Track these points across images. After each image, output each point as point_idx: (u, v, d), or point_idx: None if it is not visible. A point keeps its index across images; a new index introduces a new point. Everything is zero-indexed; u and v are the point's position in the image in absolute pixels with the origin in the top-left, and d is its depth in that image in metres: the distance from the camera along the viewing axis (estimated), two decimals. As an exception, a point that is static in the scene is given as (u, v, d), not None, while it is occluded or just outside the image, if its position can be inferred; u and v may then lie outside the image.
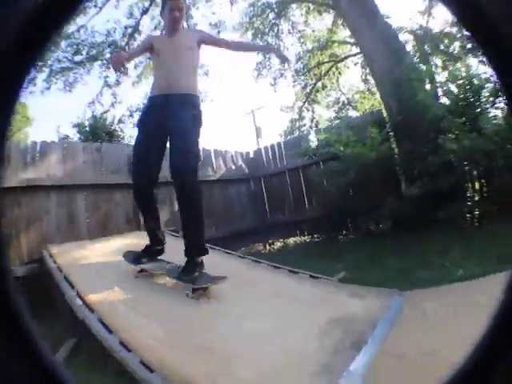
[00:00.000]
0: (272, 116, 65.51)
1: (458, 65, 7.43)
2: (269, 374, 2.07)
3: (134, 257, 3.67)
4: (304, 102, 15.06)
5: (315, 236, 8.07)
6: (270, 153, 8.97)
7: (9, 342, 0.57)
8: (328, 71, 14.56)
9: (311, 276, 3.75)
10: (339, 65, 14.55)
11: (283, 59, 4.16)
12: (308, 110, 15.27)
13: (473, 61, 8.14)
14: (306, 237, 8.24)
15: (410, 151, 6.70)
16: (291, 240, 8.48)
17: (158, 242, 3.68)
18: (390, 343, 2.36)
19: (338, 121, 12.12)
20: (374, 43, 8.34)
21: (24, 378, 0.58)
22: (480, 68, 7.89)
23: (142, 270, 3.57)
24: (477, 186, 6.84)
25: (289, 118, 15.37)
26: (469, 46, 7.90)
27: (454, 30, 9.10)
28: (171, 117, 3.33)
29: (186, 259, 3.33)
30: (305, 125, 15.04)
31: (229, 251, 4.87)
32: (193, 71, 3.63)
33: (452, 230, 5.53)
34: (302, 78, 14.81)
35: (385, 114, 7.83)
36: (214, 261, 3.80)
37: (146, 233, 3.81)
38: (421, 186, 6.13)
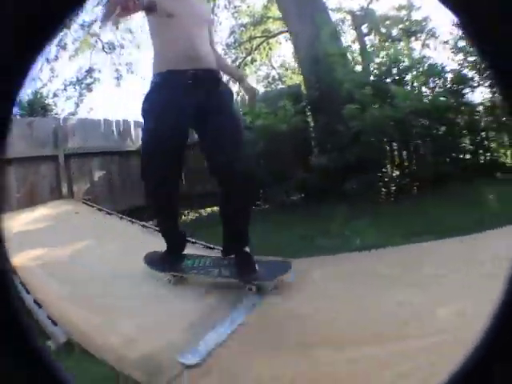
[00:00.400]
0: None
1: (397, 46, 7.72)
2: (147, 327, 2.40)
3: (158, 261, 3.12)
4: (232, 76, 15.05)
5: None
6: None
7: (9, 342, 0.56)
8: (259, 46, 14.64)
9: (207, 246, 3.81)
10: (271, 40, 14.64)
11: (248, 91, 3.39)
12: (234, 83, 15.19)
13: (416, 44, 8.86)
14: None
15: (324, 124, 6.91)
16: (209, 210, 8.48)
17: (180, 246, 3.18)
18: (266, 308, 2.59)
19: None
20: (299, 19, 8.40)
21: (24, 378, 0.58)
22: (424, 51, 8.65)
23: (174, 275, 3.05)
24: (397, 161, 7.16)
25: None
26: (412, 29, 8.50)
27: (400, 13, 9.35)
28: (210, 98, 2.75)
29: (235, 252, 2.96)
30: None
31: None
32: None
33: (364, 203, 5.67)
34: (233, 51, 14.76)
35: (303, 89, 8.06)
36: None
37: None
38: (329, 158, 6.33)
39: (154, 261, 3.09)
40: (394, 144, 7.19)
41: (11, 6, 0.52)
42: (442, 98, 6.59)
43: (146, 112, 2.84)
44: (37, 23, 0.53)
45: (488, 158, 7.33)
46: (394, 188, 6.78)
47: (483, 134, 7.35)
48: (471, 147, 7.25)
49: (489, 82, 6.73)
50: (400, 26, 9.34)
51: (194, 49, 2.70)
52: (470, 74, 7.06)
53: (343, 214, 5.21)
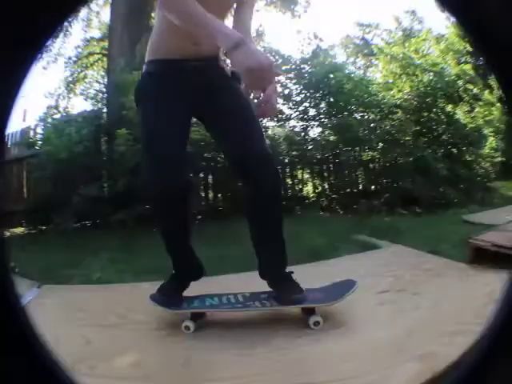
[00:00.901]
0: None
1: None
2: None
3: (170, 296, 2.45)
4: (64, 90, 14.93)
5: (32, 228, 7.69)
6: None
7: (9, 343, 0.56)
8: (94, 63, 14.68)
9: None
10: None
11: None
12: (63, 99, 15.06)
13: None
14: (24, 228, 7.84)
15: (107, 152, 7.18)
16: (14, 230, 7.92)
17: (195, 265, 2.57)
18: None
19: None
20: (119, 43, 8.63)
21: (24, 378, 0.58)
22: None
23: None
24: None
25: (47, 105, 14.91)
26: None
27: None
28: (217, 88, 2.36)
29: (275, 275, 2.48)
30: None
31: None
32: None
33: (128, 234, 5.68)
34: (74, 66, 14.65)
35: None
36: None
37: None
38: (100, 187, 6.65)
39: (165, 295, 2.45)
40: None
41: (11, 4, 0.53)
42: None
43: (142, 99, 2.43)
44: (36, 23, 0.55)
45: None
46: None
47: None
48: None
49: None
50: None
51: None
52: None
53: (97, 244, 5.38)
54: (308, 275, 3.16)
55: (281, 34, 34.44)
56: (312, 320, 2.26)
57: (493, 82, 17.33)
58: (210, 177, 8.30)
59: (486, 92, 16.56)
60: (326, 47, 9.90)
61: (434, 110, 9.98)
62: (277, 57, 9.27)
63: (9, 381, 0.56)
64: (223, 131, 2.41)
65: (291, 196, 8.68)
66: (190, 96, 2.29)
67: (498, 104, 16.70)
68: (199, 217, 7.22)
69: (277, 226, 2.43)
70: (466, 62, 14.04)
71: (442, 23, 20.80)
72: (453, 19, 0.70)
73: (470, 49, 17.46)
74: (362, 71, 22.75)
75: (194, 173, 7.30)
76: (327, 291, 2.52)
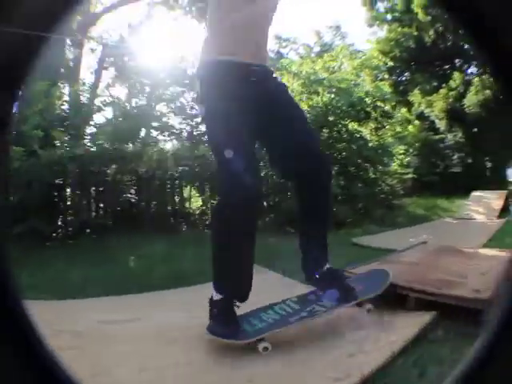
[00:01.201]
0: None
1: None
2: None
3: (230, 325, 2.44)
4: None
5: None
6: None
7: (9, 343, 0.60)
8: None
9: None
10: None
11: None
12: None
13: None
14: None
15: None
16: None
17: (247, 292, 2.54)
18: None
19: None
20: None
21: (24, 378, 0.60)
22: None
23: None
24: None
25: None
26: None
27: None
28: (275, 91, 2.61)
29: (321, 268, 2.73)
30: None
31: None
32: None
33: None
34: None
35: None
36: None
37: None
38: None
39: (226, 327, 2.42)
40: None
41: (13, 7, 0.56)
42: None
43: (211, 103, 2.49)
44: (37, 24, 0.59)
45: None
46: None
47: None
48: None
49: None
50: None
51: (259, 42, 2.57)
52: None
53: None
54: (163, 303, 3.32)
55: (195, 44, 34.53)
56: (367, 307, 2.77)
57: (413, 97, 18.46)
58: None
59: (403, 109, 17.47)
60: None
61: (335, 128, 10.24)
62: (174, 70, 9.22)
63: (9, 381, 0.58)
64: (284, 134, 2.55)
65: (178, 212, 8.61)
66: (254, 102, 2.39)
67: (416, 121, 17.71)
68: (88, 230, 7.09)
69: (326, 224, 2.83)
70: (382, 79, 14.69)
71: (365, 38, 21.79)
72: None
73: (391, 65, 18.42)
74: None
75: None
76: (365, 283, 2.82)
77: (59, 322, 2.77)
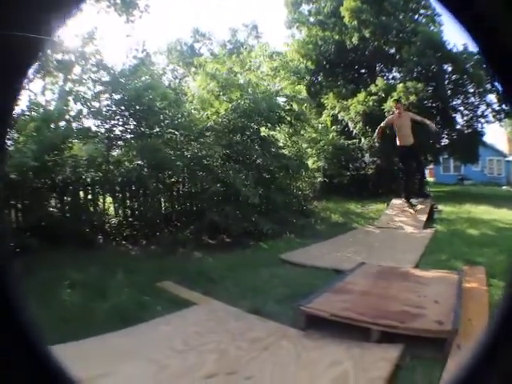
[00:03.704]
0: None
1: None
2: None
3: None
4: None
5: None
6: None
7: (10, 343, 0.59)
8: None
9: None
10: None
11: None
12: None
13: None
14: None
15: None
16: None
17: None
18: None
19: None
20: None
21: (24, 378, 0.60)
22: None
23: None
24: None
25: None
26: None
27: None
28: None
29: None
30: None
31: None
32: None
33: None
34: None
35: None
36: None
37: None
38: None
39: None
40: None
41: (11, 8, 0.56)
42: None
43: None
44: (35, 24, 0.59)
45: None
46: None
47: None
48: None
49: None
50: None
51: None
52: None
53: None
54: (113, 352, 3.12)
55: (113, 39, 33.23)
56: None
57: (326, 101, 18.95)
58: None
59: (324, 115, 17.96)
60: (151, 54, 9.67)
61: (247, 133, 10.19)
62: (97, 67, 8.75)
63: (9, 381, 0.59)
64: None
65: (93, 224, 8.13)
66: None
67: (331, 125, 18.21)
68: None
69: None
70: (299, 82, 14.98)
71: (284, 40, 22.20)
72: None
73: (310, 67, 18.80)
74: (178, 80, 23.63)
75: None
76: None
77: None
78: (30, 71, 11.10)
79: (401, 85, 17.22)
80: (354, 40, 18.80)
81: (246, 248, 7.67)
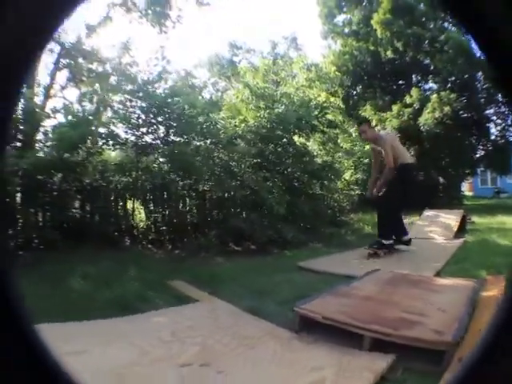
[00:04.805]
0: None
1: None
2: None
3: None
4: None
5: None
6: None
7: (9, 343, 0.59)
8: None
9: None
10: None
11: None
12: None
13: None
14: None
15: None
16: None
17: None
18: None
19: None
20: None
21: (24, 379, 0.60)
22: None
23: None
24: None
25: None
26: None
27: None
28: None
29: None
30: None
31: None
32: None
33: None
34: None
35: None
36: None
37: None
38: None
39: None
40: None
41: (11, 5, 0.55)
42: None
43: None
44: (36, 22, 0.58)
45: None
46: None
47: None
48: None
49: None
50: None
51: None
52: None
53: None
54: (104, 334, 3.29)
55: (147, 48, 34.30)
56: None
57: (364, 113, 18.66)
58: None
59: (352, 124, 17.85)
60: (188, 67, 10.03)
61: (280, 142, 10.29)
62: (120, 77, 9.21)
63: (9, 381, 0.58)
64: None
65: (121, 227, 8.52)
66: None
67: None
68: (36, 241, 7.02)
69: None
70: (333, 93, 14.95)
71: (321, 51, 22.22)
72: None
73: (346, 78, 18.81)
74: (220, 93, 24.00)
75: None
76: None
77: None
78: (62, 78, 11.66)
79: (435, 95, 16.96)
80: (389, 53, 18.61)
81: (269, 255, 7.78)
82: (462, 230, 10.12)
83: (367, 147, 16.89)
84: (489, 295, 4.18)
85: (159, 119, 8.92)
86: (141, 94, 8.76)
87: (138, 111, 8.85)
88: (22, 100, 7.45)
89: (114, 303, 4.37)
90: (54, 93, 10.61)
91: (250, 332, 3.54)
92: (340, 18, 21.70)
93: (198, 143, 9.48)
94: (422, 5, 18.22)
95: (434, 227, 10.32)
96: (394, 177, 7.29)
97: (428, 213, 11.55)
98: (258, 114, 10.13)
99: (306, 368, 2.81)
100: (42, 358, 0.63)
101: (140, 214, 9.12)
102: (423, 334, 3.01)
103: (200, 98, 10.12)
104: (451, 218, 10.56)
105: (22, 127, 7.26)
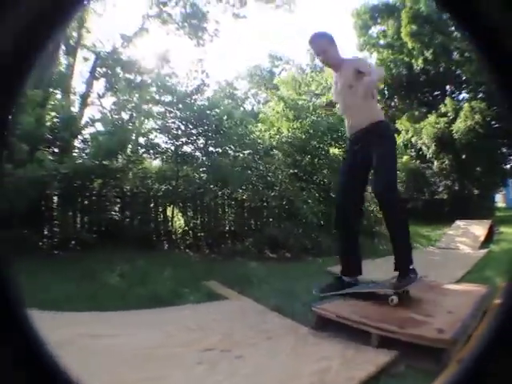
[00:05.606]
0: None
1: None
2: None
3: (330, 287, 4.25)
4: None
5: None
6: None
7: (9, 343, 0.59)
8: None
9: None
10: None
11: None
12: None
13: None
14: None
15: None
16: None
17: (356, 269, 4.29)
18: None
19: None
20: None
21: (24, 379, 0.60)
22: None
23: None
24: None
25: None
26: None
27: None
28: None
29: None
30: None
31: None
32: (360, 106, 3.98)
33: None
34: None
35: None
36: None
37: None
38: None
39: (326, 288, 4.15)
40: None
41: (11, 6, 0.55)
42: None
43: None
44: (36, 23, 0.57)
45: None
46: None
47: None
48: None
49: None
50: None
51: (348, 119, 4.25)
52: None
53: None
54: (138, 322, 3.57)
55: (186, 60, 35.08)
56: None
57: (401, 125, 18.69)
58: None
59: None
60: (229, 78, 10.35)
61: (316, 153, 10.42)
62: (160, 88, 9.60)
63: (9, 380, 0.58)
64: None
65: (160, 231, 8.88)
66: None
67: (407, 152, 18.04)
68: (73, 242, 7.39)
69: (401, 235, 4.05)
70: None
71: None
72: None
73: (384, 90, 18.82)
74: (261, 105, 24.23)
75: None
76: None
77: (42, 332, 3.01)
78: (99, 87, 11.99)
79: (466, 104, 16.84)
80: (420, 63, 18.53)
81: (302, 262, 7.95)
82: (488, 240, 10.12)
83: (405, 159, 16.91)
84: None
85: (199, 130, 9.26)
86: (180, 106, 9.11)
87: (178, 122, 9.17)
88: (61, 107, 7.87)
89: (148, 298, 4.66)
90: (91, 101, 10.94)
91: (271, 327, 3.75)
92: (375, 30, 21.68)
93: (236, 154, 9.76)
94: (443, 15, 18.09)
95: (462, 237, 10.38)
96: None
97: (459, 222, 11.64)
98: (291, 125, 10.29)
99: (315, 358, 3.01)
100: (41, 357, 0.64)
101: (179, 221, 9.39)
102: (426, 332, 3.14)
103: (241, 109, 10.31)
104: (479, 229, 10.61)
105: (60, 134, 7.65)
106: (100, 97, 11.74)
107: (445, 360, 2.84)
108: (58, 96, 9.19)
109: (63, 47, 11.35)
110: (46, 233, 7.42)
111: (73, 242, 7.35)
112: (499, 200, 20.02)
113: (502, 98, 0.64)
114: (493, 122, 16.35)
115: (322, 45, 4.16)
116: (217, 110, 9.29)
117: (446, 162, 17.49)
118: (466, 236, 10.37)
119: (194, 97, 9.45)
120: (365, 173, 4.24)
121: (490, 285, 4.75)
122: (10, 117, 0.62)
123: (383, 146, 3.97)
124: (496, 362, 0.60)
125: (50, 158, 7.12)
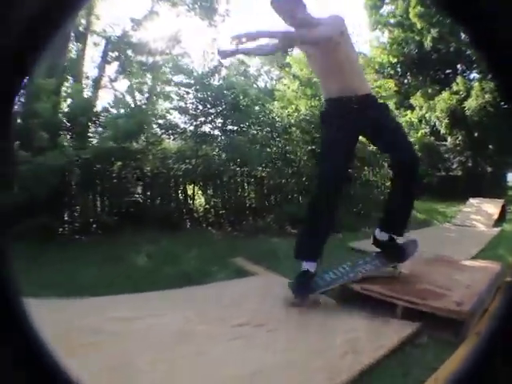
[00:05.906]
0: None
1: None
2: None
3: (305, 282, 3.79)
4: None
5: None
6: None
7: (8, 342, 0.58)
8: None
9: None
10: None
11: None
12: None
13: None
14: None
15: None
16: None
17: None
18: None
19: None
20: None
21: (23, 379, 0.60)
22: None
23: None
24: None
25: None
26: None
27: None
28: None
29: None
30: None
31: None
32: (334, 72, 3.59)
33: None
34: None
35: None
36: None
37: None
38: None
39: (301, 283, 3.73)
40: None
41: (11, 7, 0.54)
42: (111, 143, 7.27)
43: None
44: (37, 23, 0.56)
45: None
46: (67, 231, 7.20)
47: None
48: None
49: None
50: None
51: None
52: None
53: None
54: (170, 302, 3.63)
55: (198, 41, 34.77)
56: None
57: (415, 101, 18.81)
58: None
59: (408, 112, 17.73)
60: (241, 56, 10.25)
61: None
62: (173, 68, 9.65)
63: (9, 380, 0.58)
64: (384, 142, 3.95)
65: (182, 210, 8.94)
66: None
67: (421, 128, 18.00)
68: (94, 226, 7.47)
69: (408, 202, 4.03)
70: (386, 77, 14.87)
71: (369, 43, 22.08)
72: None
73: (394, 63, 18.76)
74: (274, 82, 24.12)
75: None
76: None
77: (76, 320, 3.09)
78: (111, 71, 11.99)
79: (477, 84, 16.87)
80: (429, 42, 18.43)
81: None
82: (501, 219, 10.47)
83: (419, 134, 16.80)
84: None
85: (217, 110, 9.24)
86: (198, 87, 9.07)
87: (196, 102, 9.16)
88: (76, 93, 7.87)
89: (177, 277, 4.71)
90: (104, 84, 10.91)
91: (300, 301, 3.79)
92: (385, 9, 21.69)
93: (255, 132, 9.74)
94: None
95: (477, 215, 10.69)
96: None
97: (473, 200, 11.82)
98: (309, 102, 10.18)
99: (344, 329, 3.16)
100: (41, 357, 0.63)
101: (200, 199, 9.45)
102: (446, 304, 3.29)
103: (254, 86, 10.24)
104: (492, 207, 10.93)
105: (78, 119, 7.63)
106: (112, 80, 11.73)
107: (463, 332, 3.02)
108: (71, 82, 9.21)
109: (73, 34, 11.30)
110: (66, 218, 7.44)
111: (94, 226, 7.41)
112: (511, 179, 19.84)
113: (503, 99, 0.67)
114: (502, 103, 16.20)
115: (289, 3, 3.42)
116: (233, 90, 9.25)
117: (460, 138, 17.52)
118: (480, 214, 10.69)
119: (211, 77, 9.42)
120: (353, 150, 4.20)
121: (502, 263, 4.89)
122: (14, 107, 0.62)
123: (389, 117, 4.07)
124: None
125: (69, 144, 7.17)
